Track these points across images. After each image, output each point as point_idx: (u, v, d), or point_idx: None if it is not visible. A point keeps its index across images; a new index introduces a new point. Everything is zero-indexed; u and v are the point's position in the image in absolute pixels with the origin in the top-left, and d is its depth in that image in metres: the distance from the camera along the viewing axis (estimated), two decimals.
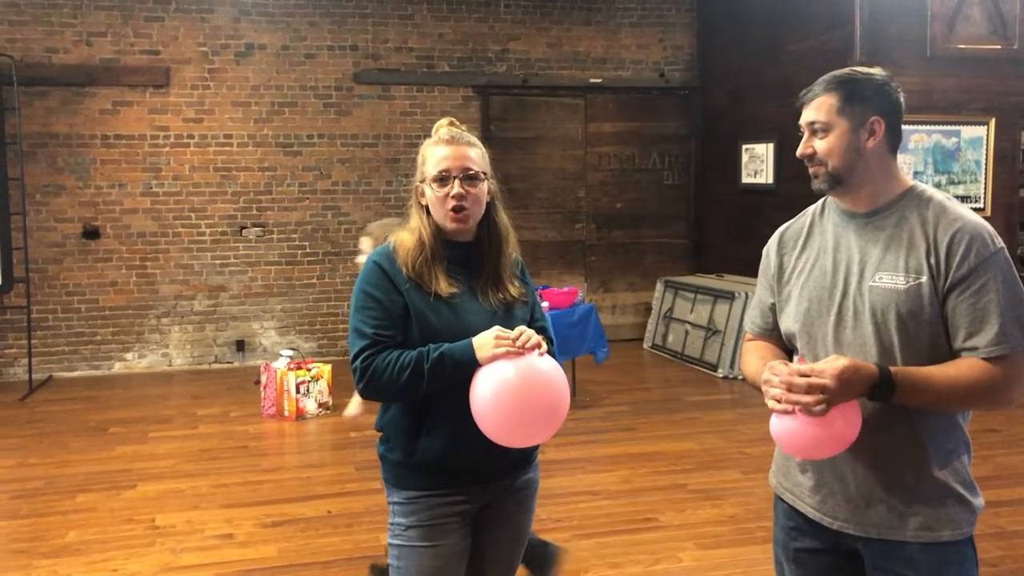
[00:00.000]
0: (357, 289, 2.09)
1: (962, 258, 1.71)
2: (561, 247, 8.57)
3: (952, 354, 1.75)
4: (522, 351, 1.94)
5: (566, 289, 6.49)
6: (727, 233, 8.32)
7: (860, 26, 6.56)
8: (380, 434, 2.19)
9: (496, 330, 1.97)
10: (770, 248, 2.04)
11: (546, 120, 8.49)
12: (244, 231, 7.84)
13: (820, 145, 1.81)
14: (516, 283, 2.19)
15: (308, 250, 7.98)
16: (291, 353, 6.44)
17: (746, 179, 7.93)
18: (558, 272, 8.49)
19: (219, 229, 7.79)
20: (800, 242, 1.97)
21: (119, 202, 7.57)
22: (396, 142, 8.04)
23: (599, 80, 8.50)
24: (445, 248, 2.11)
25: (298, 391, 6.09)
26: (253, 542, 3.98)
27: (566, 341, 6.07)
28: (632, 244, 8.77)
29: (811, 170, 1.85)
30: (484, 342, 1.96)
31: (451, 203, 2.06)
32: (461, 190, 2.06)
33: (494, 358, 1.94)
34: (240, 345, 7.86)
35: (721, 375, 7.17)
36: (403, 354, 1.99)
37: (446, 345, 1.98)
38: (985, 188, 6.89)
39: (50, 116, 7.39)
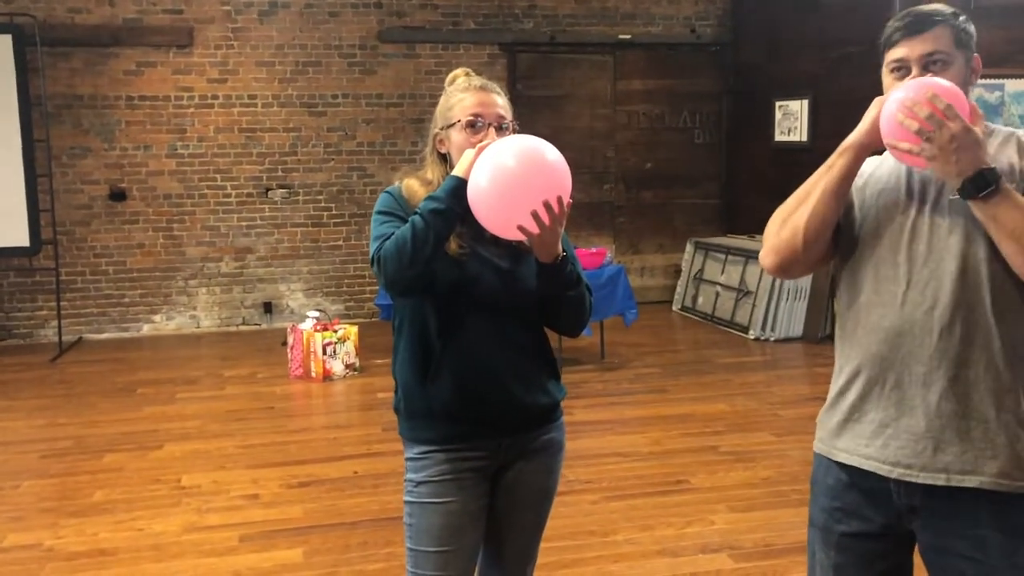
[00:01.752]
0: (374, 214, 2.04)
1: None
2: (590, 208, 8.44)
3: None
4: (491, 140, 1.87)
5: (594, 250, 6.38)
6: (759, 193, 8.13)
7: None
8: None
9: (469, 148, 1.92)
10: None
11: (574, 78, 8.32)
12: (270, 193, 7.79)
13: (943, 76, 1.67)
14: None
15: (334, 212, 7.92)
16: (317, 315, 6.40)
17: (779, 137, 7.73)
18: (586, 234, 8.37)
19: (245, 191, 7.74)
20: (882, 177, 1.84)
21: (144, 164, 7.53)
22: (421, 101, 7.91)
23: (628, 36, 8.30)
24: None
25: (325, 352, 6.05)
26: (278, 503, 3.96)
27: (594, 303, 5.95)
28: (662, 205, 8.61)
29: None
30: (460, 162, 1.90)
31: None
32: (495, 137, 1.95)
33: (473, 163, 1.85)
34: (268, 307, 7.85)
35: (752, 336, 7.05)
36: (400, 228, 1.90)
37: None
38: None
39: (74, 77, 7.34)
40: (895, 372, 1.72)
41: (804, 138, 7.38)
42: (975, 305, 1.66)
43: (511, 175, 1.79)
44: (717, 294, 7.67)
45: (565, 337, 2.30)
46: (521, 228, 1.81)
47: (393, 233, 1.91)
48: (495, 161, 1.80)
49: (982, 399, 1.66)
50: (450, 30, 7.96)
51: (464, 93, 2.01)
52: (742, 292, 7.30)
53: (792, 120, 7.56)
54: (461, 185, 1.86)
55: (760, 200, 8.32)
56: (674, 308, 8.30)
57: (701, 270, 8.00)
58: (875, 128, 1.72)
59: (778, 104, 7.71)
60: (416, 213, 1.89)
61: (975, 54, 1.75)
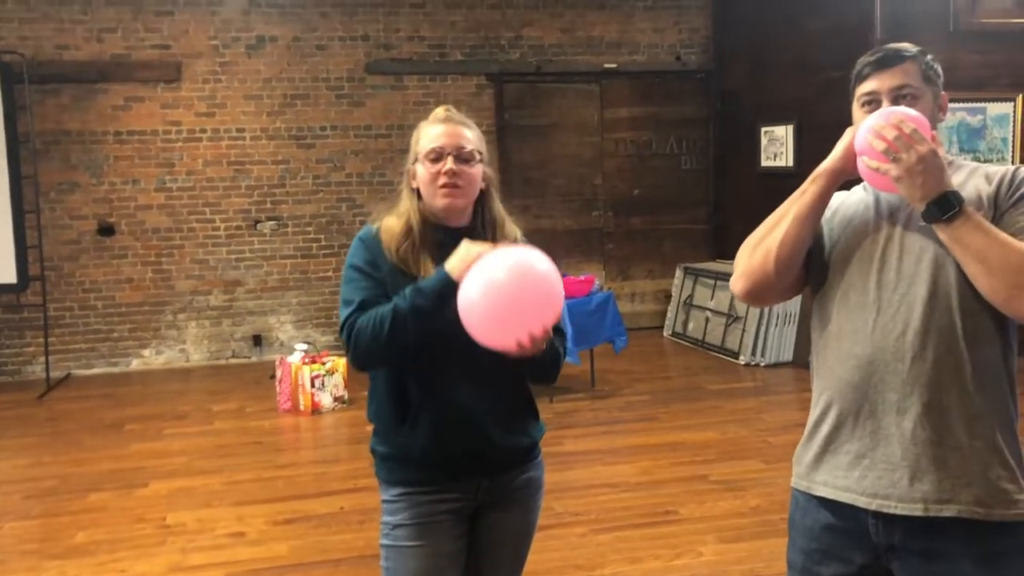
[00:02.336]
0: (345, 267, 2.04)
1: (1008, 182, 1.70)
2: (579, 235, 8.46)
3: None
4: (491, 248, 1.87)
5: (582, 277, 6.38)
6: (747, 218, 8.09)
7: (880, 1, 6.38)
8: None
9: (464, 243, 1.89)
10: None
11: (561, 107, 8.37)
12: (259, 225, 7.79)
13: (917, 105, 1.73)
14: None
15: (323, 243, 7.92)
16: (305, 347, 6.38)
17: (765, 162, 7.77)
18: (576, 261, 8.38)
19: (234, 223, 7.75)
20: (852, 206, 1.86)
21: (133, 198, 7.54)
22: (410, 132, 7.78)
23: (614, 65, 8.36)
24: (435, 233, 2.02)
25: (313, 385, 6.03)
26: (264, 540, 3.92)
27: (583, 330, 5.97)
28: (650, 231, 8.63)
29: None
30: (456, 259, 1.87)
31: (443, 179, 1.97)
32: (454, 167, 1.97)
33: (468, 267, 1.83)
34: (257, 340, 7.82)
35: (743, 362, 7.04)
36: (381, 307, 1.91)
37: (417, 283, 1.91)
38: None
39: (62, 113, 7.36)
40: (869, 401, 1.72)
41: (790, 163, 7.42)
42: (946, 330, 1.66)
43: (503, 303, 1.79)
44: (707, 319, 7.67)
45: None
46: (503, 349, 1.83)
47: (363, 303, 1.92)
48: (490, 281, 1.79)
49: (956, 426, 1.66)
50: (437, 61, 8.01)
51: (429, 126, 2.04)
52: (732, 317, 7.30)
53: (778, 145, 7.60)
54: (452, 289, 1.85)
55: (748, 225, 8.25)
56: (665, 334, 8.30)
57: (691, 295, 8.00)
58: (848, 155, 1.74)
59: (763, 129, 7.75)
60: (401, 301, 1.88)
61: (942, 92, 1.80)
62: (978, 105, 6.58)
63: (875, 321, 1.72)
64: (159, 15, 7.47)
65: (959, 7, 6.45)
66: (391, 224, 2.04)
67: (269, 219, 7.81)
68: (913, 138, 1.61)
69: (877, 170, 1.66)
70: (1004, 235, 1.62)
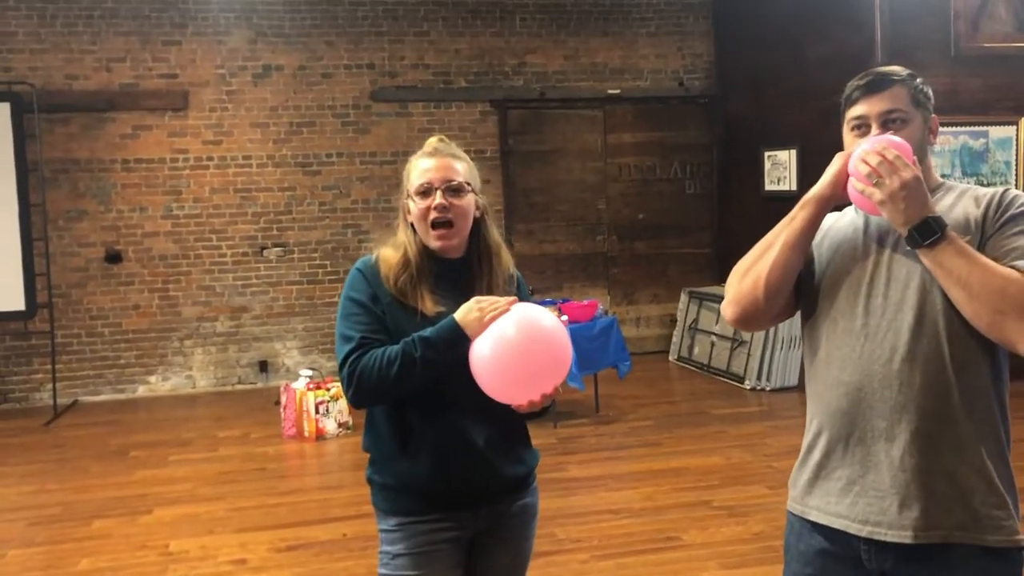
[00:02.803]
0: (343, 297, 2.04)
1: (1011, 203, 1.69)
2: (583, 260, 8.48)
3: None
4: (507, 308, 1.90)
5: (586, 302, 6.39)
6: (751, 242, 8.04)
7: (881, 27, 6.43)
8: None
9: (476, 300, 1.93)
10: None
11: (565, 132, 8.42)
12: (265, 251, 7.84)
13: (901, 135, 1.73)
14: None
15: (329, 269, 7.96)
16: (310, 373, 6.40)
17: (769, 186, 7.79)
18: (580, 285, 8.40)
19: (240, 250, 7.80)
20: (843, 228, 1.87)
21: (140, 226, 7.60)
22: (409, 166, 7.97)
23: (617, 91, 8.42)
24: (432, 264, 2.04)
25: (317, 411, 6.04)
26: (267, 567, 3.92)
27: (587, 355, 5.97)
28: (655, 255, 8.65)
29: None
30: (469, 315, 1.90)
31: (432, 215, 1.99)
32: (443, 201, 1.99)
33: (484, 327, 1.88)
34: (263, 366, 7.85)
35: (749, 387, 7.02)
36: (387, 349, 1.92)
37: (427, 330, 1.92)
38: (1016, 189, 6.69)
39: (71, 142, 7.45)
40: (858, 428, 1.73)
41: (794, 187, 7.44)
42: (933, 357, 1.67)
43: (517, 368, 1.87)
44: (712, 344, 7.66)
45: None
46: (513, 406, 1.93)
47: (363, 340, 1.94)
48: (505, 346, 1.87)
49: (944, 453, 1.66)
50: (442, 88, 8.08)
51: (417, 160, 2.06)
52: (737, 341, 7.29)
53: (781, 169, 7.63)
54: (464, 342, 1.90)
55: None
56: (670, 358, 8.29)
57: (696, 320, 8.00)
58: (837, 181, 1.75)
59: (767, 154, 7.78)
60: (411, 348, 1.90)
61: (933, 115, 1.81)
62: (980, 129, 6.60)
63: (863, 348, 1.73)
64: (167, 45, 7.57)
65: (960, 32, 6.49)
66: (388, 255, 2.06)
67: (275, 245, 7.86)
68: (896, 164, 1.63)
69: (863, 193, 1.68)
70: (986, 260, 1.62)
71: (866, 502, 1.71)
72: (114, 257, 7.57)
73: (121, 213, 7.57)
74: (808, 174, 7.28)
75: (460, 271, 2.06)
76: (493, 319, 1.88)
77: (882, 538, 1.69)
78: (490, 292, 2.04)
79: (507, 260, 2.15)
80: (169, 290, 7.69)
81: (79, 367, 7.57)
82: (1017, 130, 6.65)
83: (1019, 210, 1.68)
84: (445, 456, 1.97)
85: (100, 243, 7.55)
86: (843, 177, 1.74)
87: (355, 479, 5.17)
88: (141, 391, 7.66)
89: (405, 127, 8.02)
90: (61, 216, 7.44)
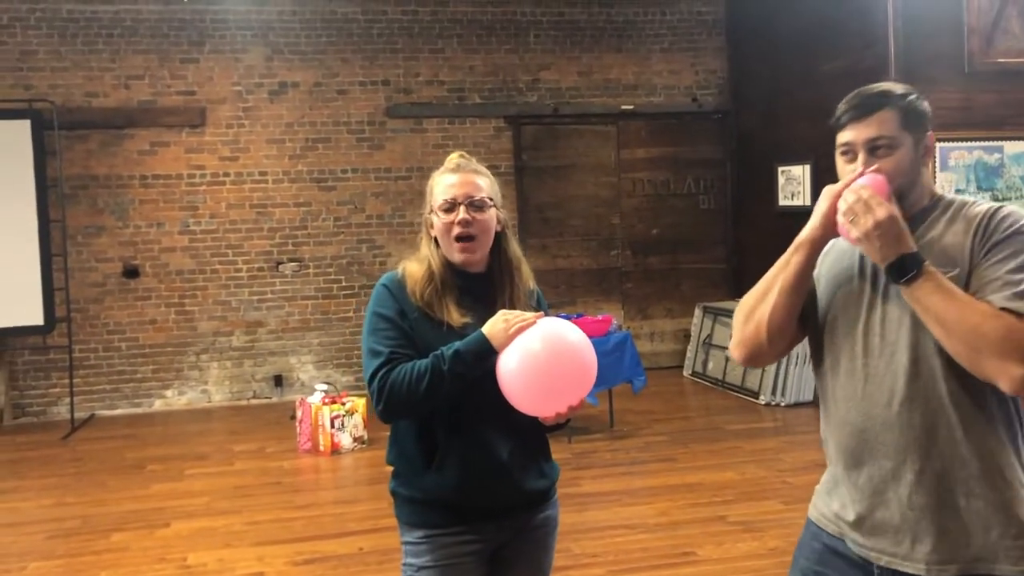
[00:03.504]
0: (369, 313, 2.07)
1: (996, 227, 1.65)
2: (597, 274, 8.50)
3: None
4: (533, 322, 1.94)
5: (599, 317, 6.41)
6: (766, 257, 8.09)
7: (895, 43, 6.43)
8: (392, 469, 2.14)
9: (502, 314, 1.96)
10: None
11: (578, 148, 8.46)
12: (280, 266, 7.89)
13: (886, 164, 1.70)
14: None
15: (344, 283, 8.01)
16: (326, 387, 6.43)
17: (783, 201, 7.80)
18: (594, 300, 8.41)
19: (256, 265, 7.85)
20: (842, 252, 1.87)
21: (157, 241, 7.67)
22: (429, 174, 7.91)
23: (631, 106, 8.46)
24: (456, 278, 2.07)
25: (333, 425, 6.07)
26: None
27: (601, 370, 5.86)
28: (669, 270, 8.66)
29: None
30: (496, 328, 1.93)
31: (456, 230, 2.03)
32: (467, 216, 2.03)
33: (511, 339, 1.92)
34: (278, 380, 7.89)
35: (763, 402, 7.01)
36: (416, 363, 1.95)
37: (455, 344, 1.95)
38: (1011, 206, 6.69)
39: (90, 158, 7.53)
40: (867, 466, 1.74)
41: (808, 202, 7.44)
42: (931, 397, 1.67)
43: (543, 381, 1.91)
44: (727, 359, 7.65)
45: None
46: (540, 418, 1.97)
47: (392, 355, 1.96)
48: (531, 361, 1.90)
49: (953, 489, 1.66)
50: (456, 105, 8.14)
51: (440, 176, 2.11)
52: None
53: (795, 184, 7.63)
54: (491, 355, 1.93)
55: (767, 264, 8.28)
56: (685, 373, 8.28)
57: (710, 335, 7.99)
58: (827, 221, 1.74)
59: (780, 169, 7.79)
60: (440, 363, 1.93)
61: (929, 132, 1.76)
62: (995, 144, 6.58)
63: (864, 389, 1.74)
64: (184, 62, 7.66)
65: (973, 47, 6.49)
66: (413, 269, 2.10)
67: (291, 260, 7.91)
68: (870, 203, 1.63)
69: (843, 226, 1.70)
70: (964, 296, 1.61)
71: (878, 536, 1.73)
72: (131, 272, 7.64)
73: (139, 228, 7.64)
74: (822, 188, 7.27)
75: (483, 284, 2.09)
76: (519, 331, 1.91)
77: (899, 567, 1.70)
78: (512, 305, 2.07)
79: (528, 274, 2.18)
80: (185, 305, 7.74)
81: (96, 381, 7.62)
82: None
83: (1003, 235, 1.65)
84: (470, 469, 2.00)
85: (118, 258, 7.62)
86: (832, 215, 1.73)
87: (371, 493, 5.19)
88: (157, 405, 7.71)
89: (420, 143, 8.08)
90: (80, 232, 7.52)
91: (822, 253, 1.85)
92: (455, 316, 2.01)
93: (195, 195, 7.73)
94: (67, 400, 7.31)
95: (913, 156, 1.73)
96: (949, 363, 1.65)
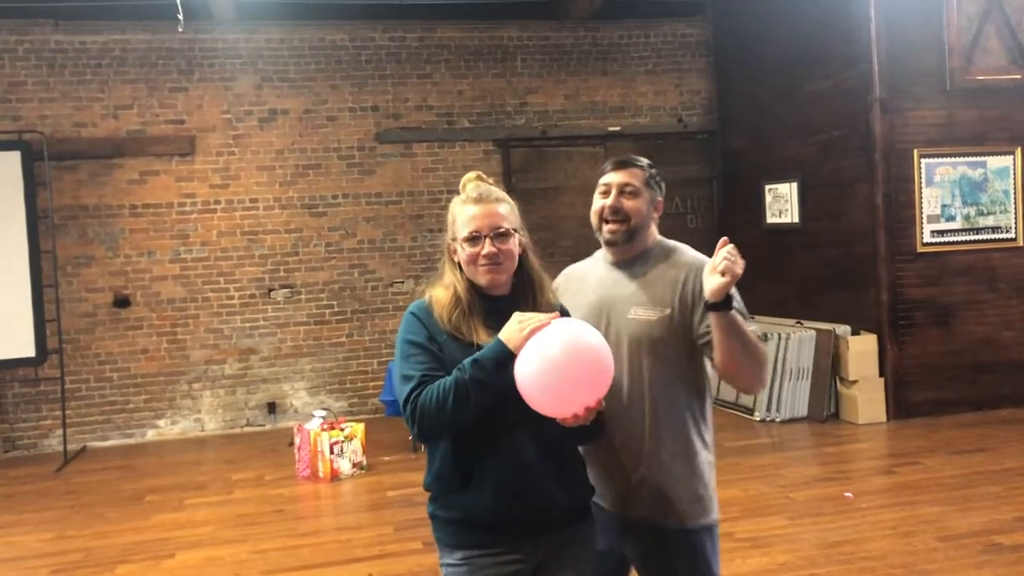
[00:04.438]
0: (399, 341, 2.11)
1: (694, 283, 2.28)
2: None
3: (692, 367, 2.29)
4: (548, 323, 1.96)
5: None
6: (754, 274, 8.18)
7: (878, 63, 6.57)
8: (428, 494, 2.15)
9: (516, 315, 1.99)
10: (568, 273, 2.56)
11: (567, 169, 8.53)
12: (272, 293, 7.88)
13: (629, 204, 2.32)
14: None
15: (336, 309, 8.00)
16: (324, 413, 6.41)
17: (771, 219, 7.90)
18: None
19: (247, 292, 7.84)
20: (580, 276, 2.50)
21: (148, 270, 7.64)
22: (420, 198, 8.09)
23: (617, 128, 8.55)
24: (481, 300, 2.12)
25: (332, 452, 6.05)
26: None
27: None
28: None
29: (611, 226, 2.33)
30: (511, 331, 1.97)
31: (483, 262, 2.08)
32: (493, 248, 2.06)
33: (526, 340, 1.93)
34: (271, 407, 7.85)
35: (759, 418, 7.06)
36: (442, 381, 1.98)
37: (475, 355, 1.98)
38: (1016, 217, 6.82)
39: (80, 189, 7.51)
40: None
41: (795, 219, 7.54)
42: (645, 397, 2.33)
43: (559, 380, 1.91)
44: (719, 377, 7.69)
45: None
46: (559, 419, 1.97)
47: (423, 378, 1.99)
48: (546, 358, 1.91)
49: (659, 462, 2.30)
50: (445, 129, 8.20)
51: (463, 207, 2.12)
52: None
53: (783, 202, 7.73)
54: (510, 360, 1.95)
55: (755, 281, 8.42)
56: None
57: None
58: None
59: (767, 187, 7.90)
60: (461, 373, 1.96)
61: (660, 199, 2.43)
62: (978, 159, 6.73)
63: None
64: (173, 91, 7.67)
65: (955, 65, 6.64)
66: (440, 295, 2.13)
67: (282, 287, 7.90)
68: (737, 258, 2.15)
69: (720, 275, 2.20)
70: (748, 329, 2.24)
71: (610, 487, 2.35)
72: (122, 302, 7.60)
73: (129, 258, 7.61)
74: (810, 206, 7.40)
75: (508, 305, 2.12)
76: (533, 332, 1.93)
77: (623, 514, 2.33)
78: None
79: (549, 289, 2.22)
80: (177, 334, 7.70)
81: (87, 412, 7.55)
82: (1015, 159, 6.78)
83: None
84: (507, 487, 2.02)
85: (108, 288, 7.58)
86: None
87: (374, 519, 5.18)
88: (150, 435, 7.65)
89: (410, 167, 8.12)
90: (70, 262, 7.48)
91: (562, 291, 2.40)
92: (483, 335, 2.05)
93: (186, 223, 7.71)
94: (59, 432, 7.23)
95: (647, 208, 2.36)
96: (661, 371, 2.26)
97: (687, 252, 2.35)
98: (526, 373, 1.92)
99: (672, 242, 2.39)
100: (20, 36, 7.39)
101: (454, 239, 2.13)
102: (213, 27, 7.64)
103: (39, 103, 7.42)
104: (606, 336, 2.13)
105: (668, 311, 2.25)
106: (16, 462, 7.11)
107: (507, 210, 2.13)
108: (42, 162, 7.07)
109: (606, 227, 2.32)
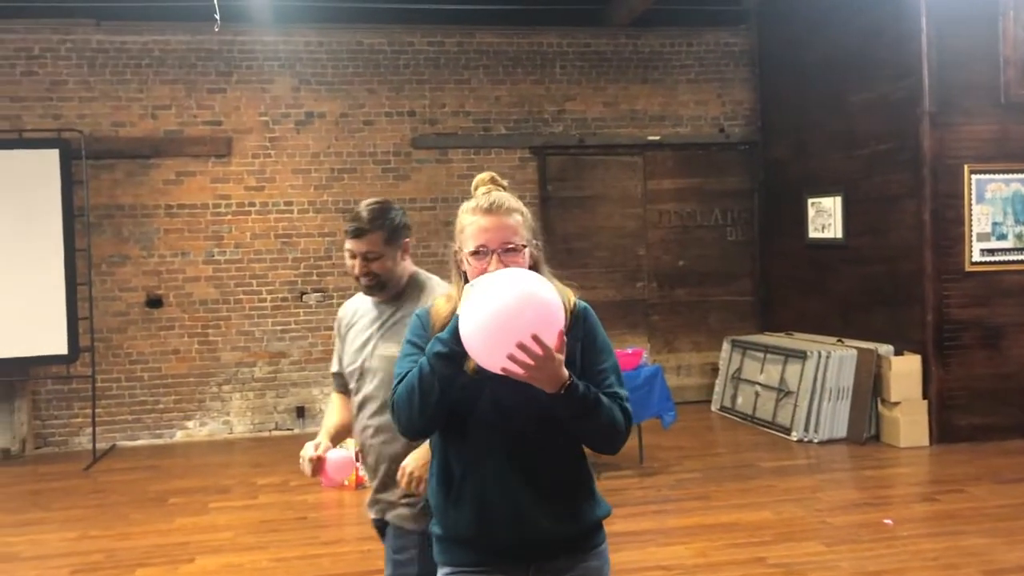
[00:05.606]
0: (403, 342, 2.06)
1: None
2: (622, 306, 8.40)
3: None
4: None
5: (630, 351, 6.30)
6: (795, 290, 8.07)
7: (928, 75, 6.36)
8: None
9: (467, 286, 1.89)
10: (342, 313, 2.70)
11: (604, 179, 8.40)
12: (304, 297, 7.84)
13: (375, 266, 2.48)
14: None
15: None
16: None
17: (813, 233, 7.69)
18: (620, 332, 8.29)
19: (280, 295, 7.81)
20: (351, 312, 2.66)
21: (182, 271, 7.64)
22: (454, 205, 7.94)
23: (657, 137, 8.41)
24: None
25: (357, 459, 5.96)
26: None
27: (631, 405, 5.85)
28: (696, 302, 8.55)
29: (365, 283, 2.50)
30: (463, 300, 1.87)
31: None
32: (500, 265, 1.91)
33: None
34: (300, 411, 7.81)
35: (796, 438, 6.86)
36: (409, 374, 1.91)
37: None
38: None
39: (116, 188, 7.53)
40: None
41: (839, 235, 7.34)
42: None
43: (487, 315, 1.74)
44: (757, 394, 7.51)
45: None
46: (505, 370, 1.77)
47: (407, 374, 1.93)
48: (476, 300, 1.77)
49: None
50: (481, 135, 8.11)
51: (472, 217, 1.95)
52: (783, 392, 7.14)
53: (826, 217, 7.53)
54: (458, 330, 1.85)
55: (796, 297, 8.27)
56: (713, 408, 8.14)
57: (739, 369, 7.86)
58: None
59: (811, 201, 7.70)
60: (422, 360, 1.89)
61: (406, 240, 2.56)
62: None
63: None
64: (211, 92, 7.67)
65: (1009, 78, 6.41)
66: (440, 306, 2.03)
67: (315, 291, 7.86)
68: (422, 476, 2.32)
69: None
70: None
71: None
72: (155, 302, 7.60)
73: (163, 258, 7.61)
74: (854, 221, 7.19)
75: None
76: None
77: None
78: None
79: (564, 294, 2.02)
80: (209, 335, 7.69)
81: (118, 411, 7.56)
82: None
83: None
84: (485, 505, 1.92)
85: (141, 288, 7.59)
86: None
87: None
88: (179, 436, 7.63)
89: (444, 174, 8.04)
90: (104, 261, 7.50)
91: (346, 323, 2.66)
92: (471, 364, 1.89)
93: (220, 225, 7.70)
94: (89, 430, 7.25)
95: (393, 262, 2.50)
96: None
97: (436, 289, 2.50)
98: (463, 323, 1.77)
99: (425, 276, 2.60)
100: (63, 36, 7.44)
101: (460, 249, 1.99)
102: (251, 29, 7.64)
103: (79, 102, 7.46)
104: (367, 368, 2.51)
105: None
106: (47, 459, 7.14)
107: (518, 222, 1.96)
108: (80, 161, 7.10)
109: (362, 282, 2.51)
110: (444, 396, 1.86)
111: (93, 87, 7.49)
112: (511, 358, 1.73)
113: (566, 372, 1.80)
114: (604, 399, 1.91)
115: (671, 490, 5.71)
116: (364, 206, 2.51)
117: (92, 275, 7.28)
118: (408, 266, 2.58)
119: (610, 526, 4.96)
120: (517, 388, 1.84)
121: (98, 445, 7.16)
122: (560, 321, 1.79)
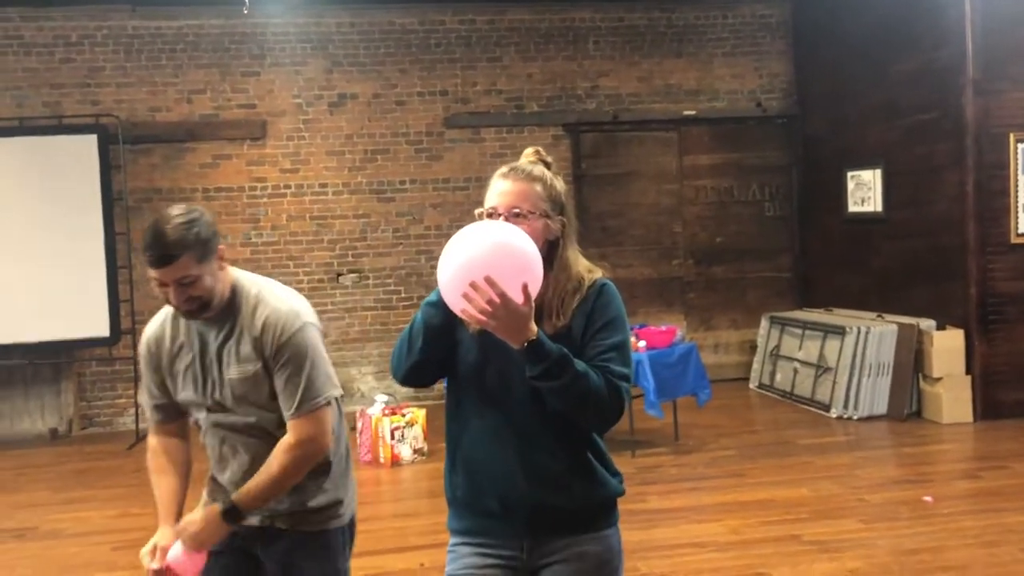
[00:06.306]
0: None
1: (272, 340, 2.21)
2: (658, 284, 8.33)
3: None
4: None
5: (664, 328, 6.25)
6: (834, 265, 7.93)
7: (972, 41, 6.18)
8: None
9: None
10: (150, 343, 2.37)
11: (639, 155, 8.31)
12: (340, 278, 7.90)
13: (194, 291, 2.15)
14: (563, 318, 1.91)
15: (403, 295, 7.97)
16: (386, 399, 6.39)
17: (853, 208, 7.54)
18: (656, 310, 8.24)
19: (316, 277, 7.87)
20: (169, 339, 2.34)
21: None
22: (487, 184, 7.96)
23: (693, 112, 8.29)
24: None
25: (393, 437, 6.01)
26: None
27: (666, 382, 5.83)
28: (734, 279, 8.45)
29: (188, 307, 2.17)
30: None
31: None
32: None
33: None
34: None
35: (835, 415, 6.76)
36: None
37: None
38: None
39: (154, 172, 7.64)
40: None
41: (879, 208, 7.19)
42: None
43: (449, 255, 1.76)
44: (795, 371, 7.41)
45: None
46: (464, 312, 1.75)
47: None
48: (448, 244, 1.79)
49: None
50: (514, 114, 8.07)
51: (495, 180, 1.98)
52: (822, 368, 7.04)
53: (865, 190, 7.38)
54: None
55: (835, 272, 8.13)
56: (751, 386, 8.05)
57: (778, 346, 7.76)
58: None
59: (850, 174, 7.54)
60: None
61: (220, 247, 2.22)
62: None
63: None
64: (245, 76, 7.73)
65: None
66: None
67: (351, 272, 7.91)
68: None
69: None
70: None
71: None
72: None
73: None
74: (894, 194, 7.04)
75: None
76: None
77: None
78: (552, 309, 1.91)
79: (575, 276, 1.96)
80: None
81: None
82: None
83: (280, 342, 2.24)
84: (474, 473, 1.94)
85: None
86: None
87: (431, 507, 5.11)
88: None
89: (477, 153, 8.02)
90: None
91: (164, 357, 2.36)
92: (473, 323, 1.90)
93: (256, 207, 7.78)
94: (132, 411, 7.39)
95: (211, 279, 2.17)
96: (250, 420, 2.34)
97: (268, 303, 2.25)
98: (440, 261, 1.78)
99: (254, 291, 2.27)
100: (100, 22, 7.54)
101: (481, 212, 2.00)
102: (284, 11, 7.66)
103: (116, 88, 7.56)
104: (223, 398, 2.28)
105: (259, 365, 2.23)
106: (93, 439, 7.30)
107: (536, 191, 1.93)
108: (117, 146, 7.21)
109: (182, 310, 2.20)
110: (428, 344, 1.91)
111: (129, 73, 7.59)
112: (465, 297, 1.72)
113: (535, 328, 1.77)
114: (583, 367, 1.82)
115: (706, 467, 5.67)
116: (165, 227, 2.09)
117: (132, 258, 7.39)
118: (227, 273, 2.26)
119: (644, 504, 4.91)
120: (511, 350, 1.82)
121: (141, 425, 7.30)
122: (529, 273, 1.74)
